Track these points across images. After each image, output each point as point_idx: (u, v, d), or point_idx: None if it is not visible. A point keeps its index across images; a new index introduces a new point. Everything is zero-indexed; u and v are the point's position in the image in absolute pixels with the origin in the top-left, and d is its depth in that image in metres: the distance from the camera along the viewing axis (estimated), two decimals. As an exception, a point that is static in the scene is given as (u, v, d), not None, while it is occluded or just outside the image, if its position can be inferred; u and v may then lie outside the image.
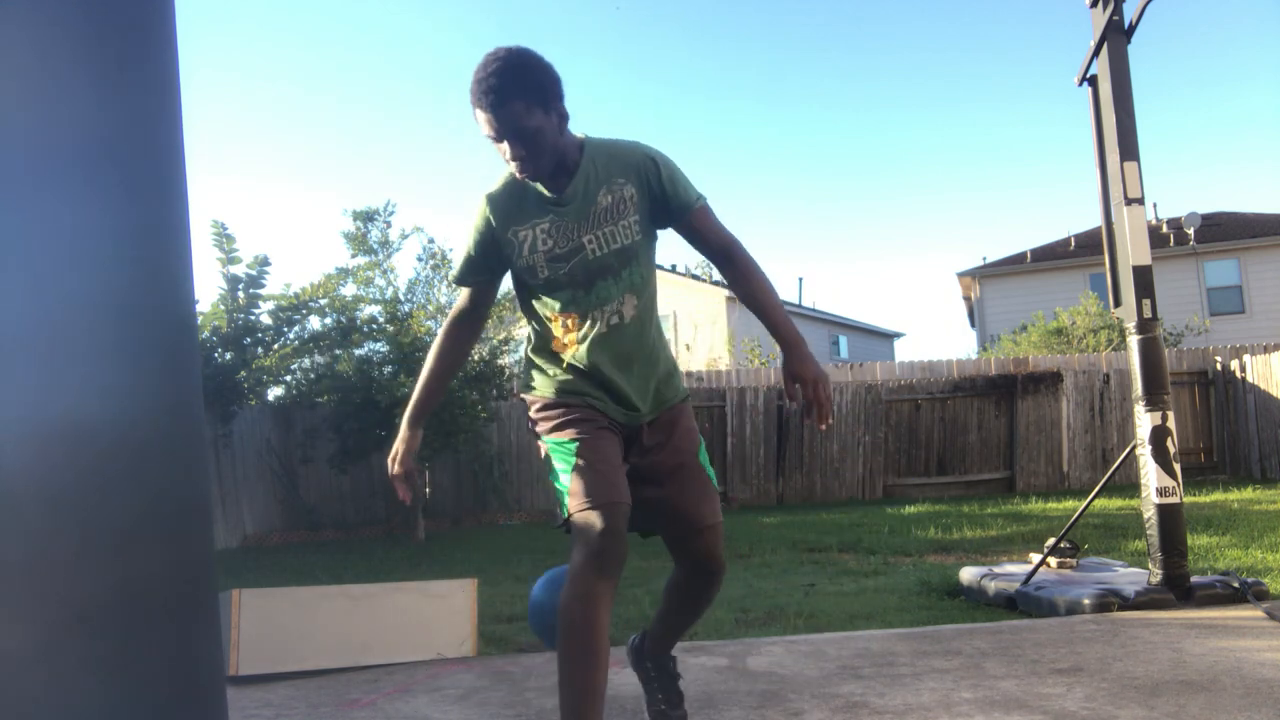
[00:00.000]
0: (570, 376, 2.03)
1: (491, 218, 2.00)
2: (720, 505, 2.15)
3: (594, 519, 1.82)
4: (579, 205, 1.96)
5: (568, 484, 1.90)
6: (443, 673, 3.14)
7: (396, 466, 2.10)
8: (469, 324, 2.18)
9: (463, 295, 2.17)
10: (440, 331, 2.18)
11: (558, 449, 1.96)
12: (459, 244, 2.22)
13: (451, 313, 2.20)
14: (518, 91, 1.82)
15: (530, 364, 2.11)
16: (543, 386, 2.06)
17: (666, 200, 1.98)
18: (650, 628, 2.41)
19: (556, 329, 2.03)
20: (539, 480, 10.99)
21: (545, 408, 2.04)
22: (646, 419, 2.07)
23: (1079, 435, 11.34)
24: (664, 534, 2.13)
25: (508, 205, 1.99)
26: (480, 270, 2.08)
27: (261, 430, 10.21)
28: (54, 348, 1.10)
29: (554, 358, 2.05)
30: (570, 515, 1.87)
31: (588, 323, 2.00)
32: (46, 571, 1.07)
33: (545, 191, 1.96)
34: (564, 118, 1.92)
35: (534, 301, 2.05)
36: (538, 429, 2.05)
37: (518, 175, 1.93)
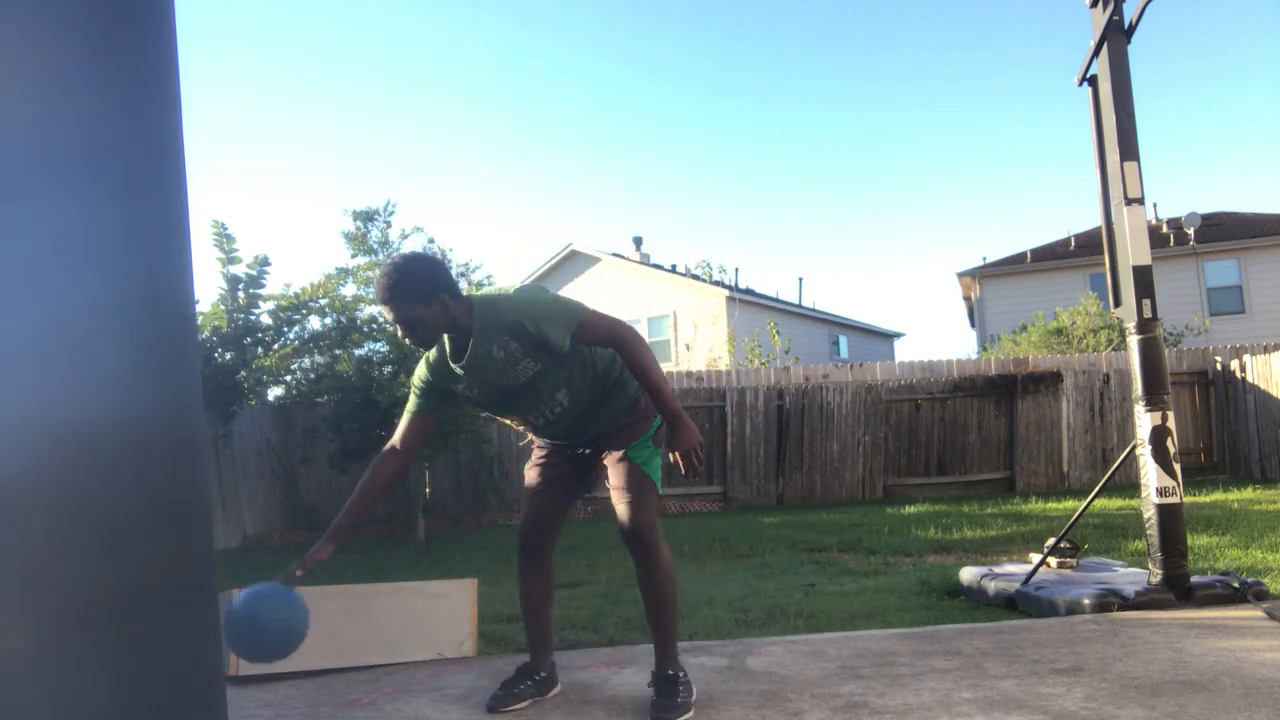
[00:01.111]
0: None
1: (429, 375, 2.61)
2: (639, 496, 2.55)
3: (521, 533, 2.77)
4: (480, 365, 2.49)
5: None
6: (443, 673, 3.14)
7: (300, 570, 2.56)
8: (400, 457, 2.67)
9: (402, 428, 2.65)
10: (373, 464, 2.66)
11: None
12: (412, 384, 2.68)
13: (388, 445, 2.67)
14: (393, 297, 2.40)
15: None
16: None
17: (547, 343, 2.43)
18: None
19: (515, 424, 2.70)
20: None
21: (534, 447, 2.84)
22: (603, 434, 2.66)
23: (1079, 435, 11.34)
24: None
25: (436, 367, 2.59)
26: (432, 397, 2.62)
27: (261, 430, 10.20)
28: (54, 348, 1.10)
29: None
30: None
31: (531, 418, 2.63)
32: (47, 571, 1.07)
33: (450, 362, 2.52)
34: (446, 302, 2.43)
35: (487, 415, 2.78)
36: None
37: (412, 346, 2.52)
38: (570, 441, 2.69)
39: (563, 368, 2.51)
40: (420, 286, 2.41)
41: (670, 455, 2.46)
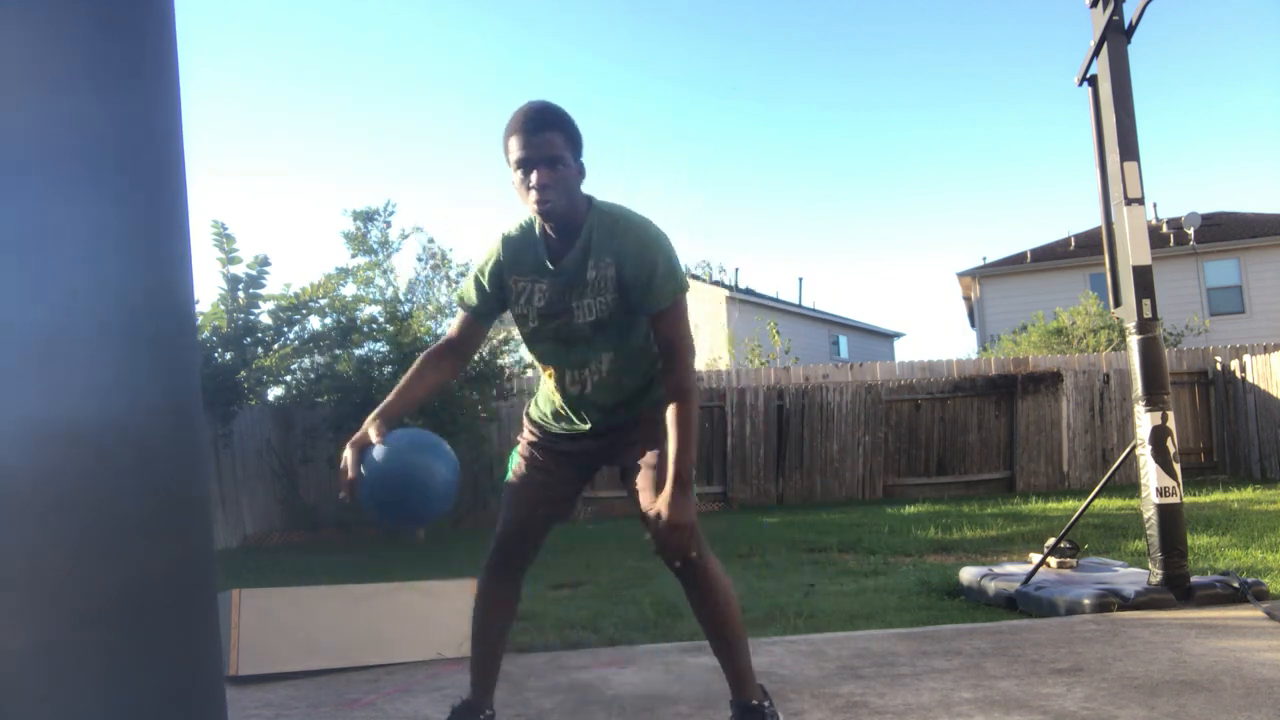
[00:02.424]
0: (548, 420, 2.29)
1: (502, 257, 2.14)
2: (689, 505, 2.07)
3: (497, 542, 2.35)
4: (570, 275, 2.08)
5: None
6: (443, 673, 3.14)
7: (351, 458, 1.97)
8: (453, 357, 2.25)
9: (456, 325, 2.24)
10: (421, 356, 2.21)
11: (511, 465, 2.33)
12: (470, 271, 2.22)
13: (438, 342, 2.25)
14: (557, 126, 1.99)
15: (539, 391, 2.35)
16: (533, 413, 2.35)
17: (646, 290, 2.04)
18: None
19: (546, 380, 2.24)
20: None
21: (527, 419, 2.36)
22: (619, 423, 2.22)
23: (1079, 435, 11.34)
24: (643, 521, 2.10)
25: (516, 253, 2.13)
26: (488, 298, 2.17)
27: (261, 430, 10.20)
28: (54, 348, 1.10)
29: (545, 399, 2.29)
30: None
31: (567, 378, 2.17)
32: (47, 571, 1.07)
33: (547, 255, 2.09)
34: (583, 171, 2.06)
35: (529, 347, 2.21)
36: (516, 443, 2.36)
37: (535, 206, 1.99)
38: (581, 431, 2.23)
39: (625, 334, 2.12)
40: (578, 134, 2.04)
41: (653, 518, 2.01)
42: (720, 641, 2.22)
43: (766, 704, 2.18)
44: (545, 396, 2.29)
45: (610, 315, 2.08)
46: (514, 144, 1.98)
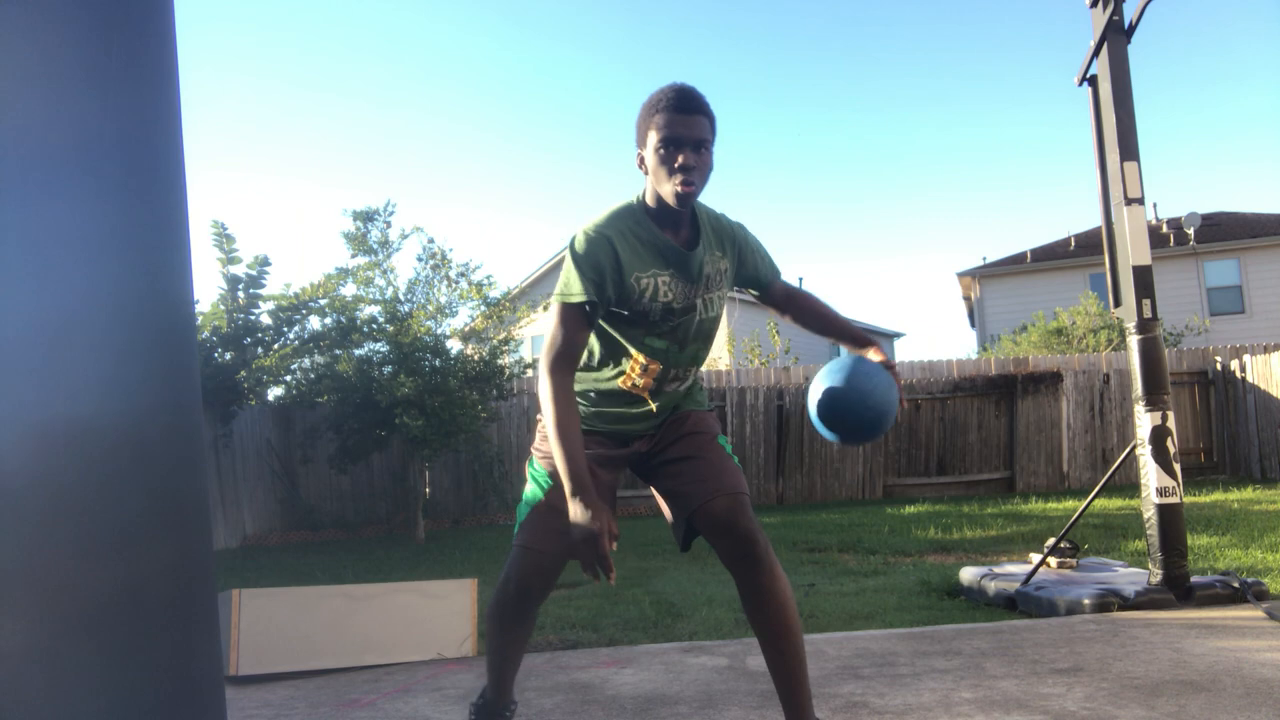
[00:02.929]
0: (592, 425, 2.06)
1: (620, 256, 1.91)
2: (745, 491, 1.95)
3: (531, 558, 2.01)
4: (698, 267, 1.97)
5: (527, 514, 2.03)
6: (443, 673, 3.14)
7: (611, 542, 1.85)
8: (574, 368, 1.97)
9: (573, 333, 1.92)
10: (556, 389, 1.90)
11: (536, 477, 2.05)
12: (571, 267, 1.92)
13: (559, 364, 1.92)
14: (706, 111, 1.91)
15: (589, 391, 2.10)
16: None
17: (761, 272, 2.14)
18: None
19: (631, 366, 2.01)
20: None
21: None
22: (655, 425, 2.10)
23: (1079, 435, 11.34)
24: (696, 523, 1.95)
25: (630, 250, 1.93)
26: (605, 296, 1.92)
27: (261, 430, 10.20)
28: (53, 347, 1.10)
29: (596, 399, 2.07)
30: (519, 540, 2.03)
31: (666, 374, 2.02)
32: (46, 571, 1.07)
33: (673, 245, 1.95)
34: (712, 166, 1.96)
35: (623, 338, 2.00)
36: (536, 453, 2.09)
37: (680, 187, 1.86)
38: (630, 423, 2.08)
39: (711, 339, 2.08)
40: (716, 124, 1.96)
41: (878, 355, 2.11)
42: (782, 656, 1.90)
43: None
44: (600, 404, 2.08)
45: (720, 313, 2.06)
46: (662, 120, 1.87)
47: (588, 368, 2.06)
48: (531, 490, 2.04)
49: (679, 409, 2.11)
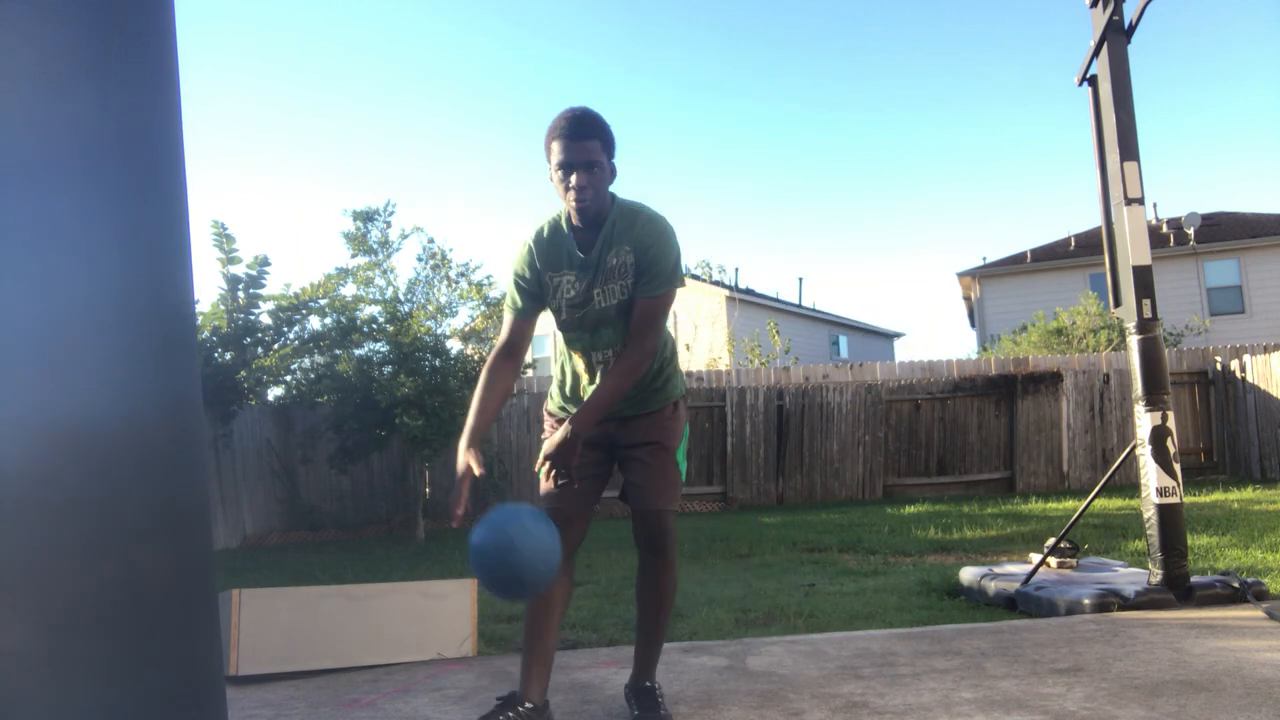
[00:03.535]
0: (568, 409, 2.46)
1: (536, 258, 2.35)
2: (672, 498, 2.38)
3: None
4: (594, 263, 2.30)
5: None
6: (443, 673, 3.14)
7: (462, 490, 2.25)
8: (512, 360, 2.42)
9: (506, 329, 2.43)
10: (484, 369, 2.39)
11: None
12: (506, 277, 2.42)
13: (494, 350, 2.42)
14: (596, 133, 2.22)
15: (552, 384, 2.58)
16: (551, 406, 2.57)
17: (643, 273, 2.29)
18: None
19: (576, 361, 2.45)
20: (539, 481, 10.97)
21: (549, 417, 2.56)
22: (627, 415, 2.41)
23: (1079, 435, 11.34)
24: (633, 515, 2.42)
25: (548, 251, 2.34)
26: (531, 297, 2.38)
27: (261, 430, 10.20)
28: (54, 348, 1.10)
29: (562, 386, 2.50)
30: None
31: (592, 358, 2.40)
32: (47, 571, 1.07)
33: (577, 248, 2.32)
34: (614, 172, 2.31)
35: (563, 337, 2.45)
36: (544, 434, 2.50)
37: (574, 204, 2.24)
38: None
39: (622, 310, 2.35)
40: (612, 138, 2.27)
41: (643, 509, 2.36)
42: (658, 621, 2.46)
43: (659, 685, 2.48)
44: (563, 388, 2.50)
45: (628, 299, 2.30)
46: (556, 148, 2.22)
47: (563, 372, 2.50)
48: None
49: (647, 405, 2.43)
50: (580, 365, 2.43)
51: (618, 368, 2.27)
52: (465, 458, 2.25)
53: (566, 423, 2.24)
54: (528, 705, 2.26)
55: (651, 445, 2.39)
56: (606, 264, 2.29)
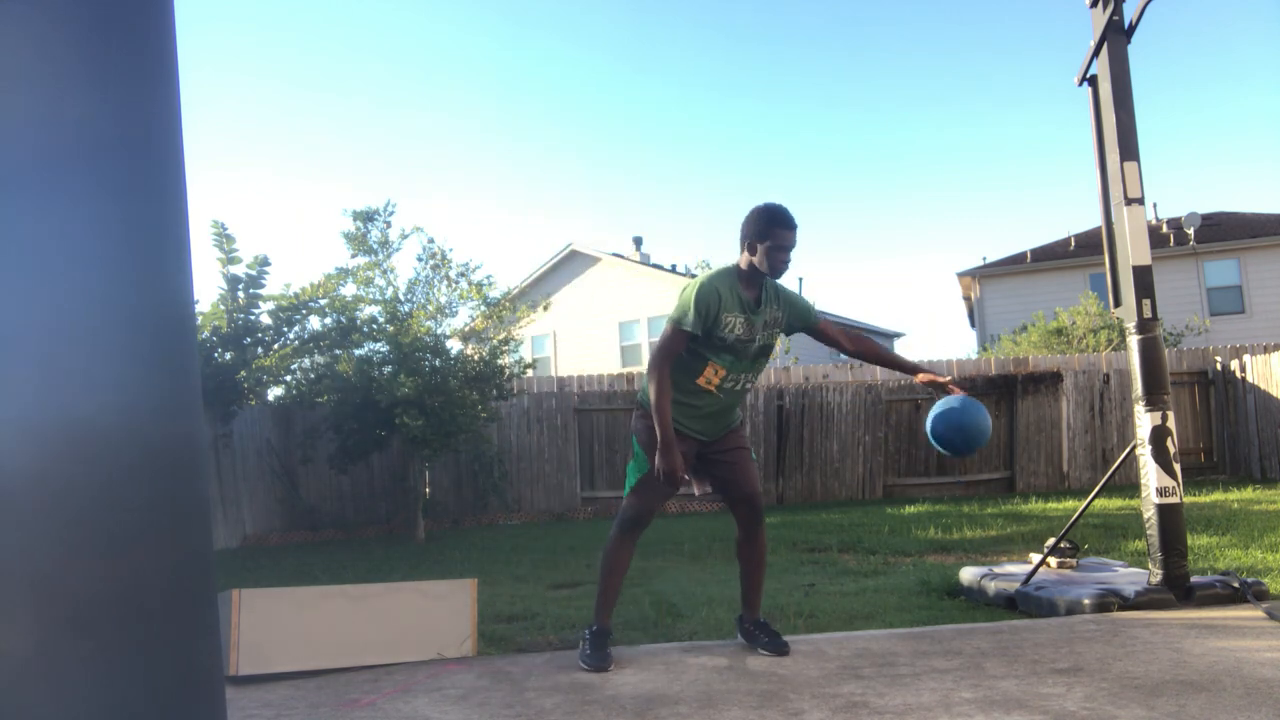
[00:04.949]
0: (684, 413, 3.19)
1: (718, 300, 3.12)
2: (758, 480, 3.32)
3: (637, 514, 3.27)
4: (761, 315, 3.20)
5: (635, 484, 3.23)
6: (443, 673, 3.14)
7: (685, 470, 3.12)
8: (671, 365, 3.16)
9: (679, 341, 3.13)
10: (660, 374, 3.10)
11: (641, 460, 3.21)
12: (687, 305, 3.13)
13: (668, 358, 3.13)
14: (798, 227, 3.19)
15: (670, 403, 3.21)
16: (673, 418, 3.16)
17: (802, 319, 3.34)
18: (742, 598, 3.40)
19: (708, 371, 3.17)
20: (539, 480, 11.00)
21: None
22: (721, 435, 3.28)
23: (1079, 435, 11.35)
24: (726, 498, 3.33)
25: (728, 297, 3.14)
26: (701, 325, 3.11)
27: (261, 430, 10.20)
28: (53, 348, 1.10)
29: (685, 392, 3.18)
30: (632, 490, 3.24)
31: (728, 378, 3.19)
32: (46, 571, 1.07)
33: (750, 299, 3.18)
34: None
35: (708, 353, 3.15)
36: (635, 434, 3.30)
37: (775, 272, 3.18)
38: (702, 422, 3.22)
39: (768, 356, 3.29)
40: None
41: (947, 387, 3.40)
42: (760, 574, 3.37)
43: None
44: (683, 404, 3.17)
45: (772, 344, 3.27)
46: (783, 234, 3.12)
47: (683, 380, 3.17)
48: (637, 459, 3.23)
49: (730, 426, 3.31)
50: (716, 378, 3.17)
51: (869, 342, 3.46)
52: (674, 456, 3.05)
53: (932, 372, 3.37)
54: (611, 636, 3.23)
55: (739, 449, 3.29)
56: (768, 315, 3.21)
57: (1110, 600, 3.69)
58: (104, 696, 1.10)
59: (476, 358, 9.55)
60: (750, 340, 3.17)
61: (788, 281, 3.39)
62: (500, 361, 9.64)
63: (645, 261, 23.88)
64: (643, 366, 18.29)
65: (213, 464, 9.16)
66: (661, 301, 21.89)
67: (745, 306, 3.15)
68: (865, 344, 3.42)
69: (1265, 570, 4.63)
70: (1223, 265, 19.51)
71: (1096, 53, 4.15)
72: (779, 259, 3.12)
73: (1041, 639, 3.22)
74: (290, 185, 54.32)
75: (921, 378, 3.36)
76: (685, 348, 3.13)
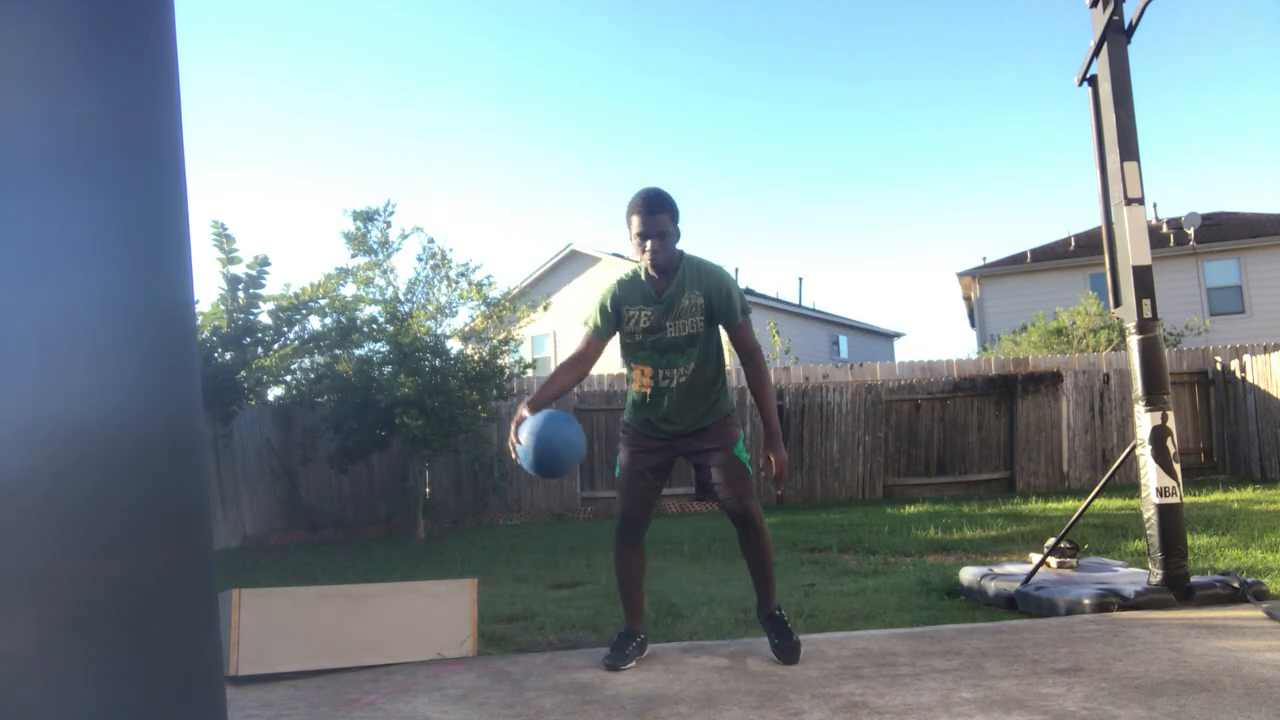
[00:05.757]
0: (640, 414, 3.19)
1: (618, 295, 3.10)
2: (748, 486, 3.14)
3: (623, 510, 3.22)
4: (668, 304, 3.04)
5: (619, 472, 3.22)
6: (443, 673, 3.14)
7: (512, 429, 2.87)
8: (581, 365, 3.12)
9: (583, 341, 3.12)
10: (561, 367, 3.10)
11: (620, 449, 3.24)
12: (591, 306, 3.17)
13: (573, 356, 3.11)
14: (664, 209, 2.99)
15: (629, 398, 3.26)
16: (628, 416, 3.26)
17: (726, 313, 3.06)
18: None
19: (637, 375, 3.14)
20: (539, 480, 10.99)
21: (624, 430, 3.27)
22: (692, 430, 3.15)
23: (1079, 435, 11.34)
24: (715, 499, 3.22)
25: (628, 291, 3.09)
26: (606, 323, 3.11)
27: (261, 430, 10.20)
28: (53, 348, 1.10)
29: (636, 406, 3.18)
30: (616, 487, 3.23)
31: (657, 375, 3.11)
32: (46, 571, 1.07)
33: (653, 290, 3.06)
34: (679, 235, 3.05)
35: (629, 355, 3.15)
36: (622, 433, 3.27)
37: (649, 262, 3.00)
38: (661, 423, 3.14)
39: (705, 346, 3.08)
40: (678, 211, 3.03)
41: (763, 461, 3.07)
42: (764, 571, 3.20)
43: (781, 609, 3.22)
44: (637, 407, 3.18)
45: (697, 332, 3.05)
46: (635, 221, 2.98)
47: (630, 383, 3.19)
48: (619, 456, 3.24)
49: (702, 421, 3.15)
50: (645, 380, 3.11)
51: (758, 380, 3.13)
52: (521, 408, 2.88)
53: (777, 438, 3.08)
54: (641, 638, 3.18)
55: (714, 450, 3.11)
56: (679, 305, 3.02)
57: (1110, 600, 3.69)
58: (104, 696, 1.10)
59: (476, 358, 9.55)
60: (659, 330, 3.04)
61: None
62: (500, 361, 9.63)
63: (645, 261, 23.83)
64: (643, 366, 18.24)
65: (213, 464, 9.16)
66: (661, 301, 21.86)
67: (648, 298, 3.05)
68: (753, 382, 3.15)
69: (1265, 570, 4.62)
70: (1223, 265, 19.51)
71: (1096, 53, 4.15)
72: (641, 245, 2.98)
73: (1041, 639, 3.22)
74: (290, 185, 54.33)
75: (765, 448, 3.08)
76: (598, 350, 3.11)
